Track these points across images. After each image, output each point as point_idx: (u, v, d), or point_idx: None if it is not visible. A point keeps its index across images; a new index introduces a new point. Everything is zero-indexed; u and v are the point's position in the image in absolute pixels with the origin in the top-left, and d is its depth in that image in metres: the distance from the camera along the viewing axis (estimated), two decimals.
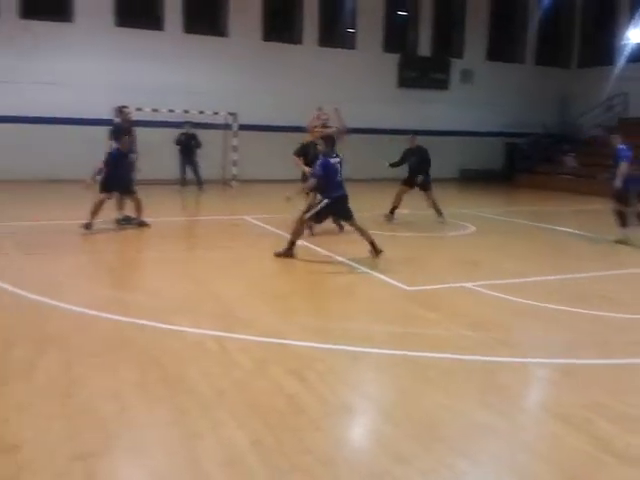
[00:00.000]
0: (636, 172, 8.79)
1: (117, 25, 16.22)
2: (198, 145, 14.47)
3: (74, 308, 5.16)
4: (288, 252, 7.27)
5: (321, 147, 7.58)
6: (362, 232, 7.47)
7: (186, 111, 15.25)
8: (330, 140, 7.57)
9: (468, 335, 4.85)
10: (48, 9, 15.54)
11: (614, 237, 8.99)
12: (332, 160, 7.35)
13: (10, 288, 5.68)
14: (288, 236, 7.46)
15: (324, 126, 10.38)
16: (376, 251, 7.34)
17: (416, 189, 10.55)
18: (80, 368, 3.94)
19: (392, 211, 10.51)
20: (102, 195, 8.77)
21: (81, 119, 15.09)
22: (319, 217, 7.60)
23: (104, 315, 4.99)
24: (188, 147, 14.43)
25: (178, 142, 14.43)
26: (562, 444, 3.20)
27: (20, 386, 3.66)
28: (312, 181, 7.47)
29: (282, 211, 9.08)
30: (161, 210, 10.85)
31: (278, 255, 7.25)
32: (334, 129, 10.33)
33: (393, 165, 10.56)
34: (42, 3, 15.58)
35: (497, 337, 4.82)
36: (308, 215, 7.45)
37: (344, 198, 7.46)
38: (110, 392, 3.58)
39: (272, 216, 10.09)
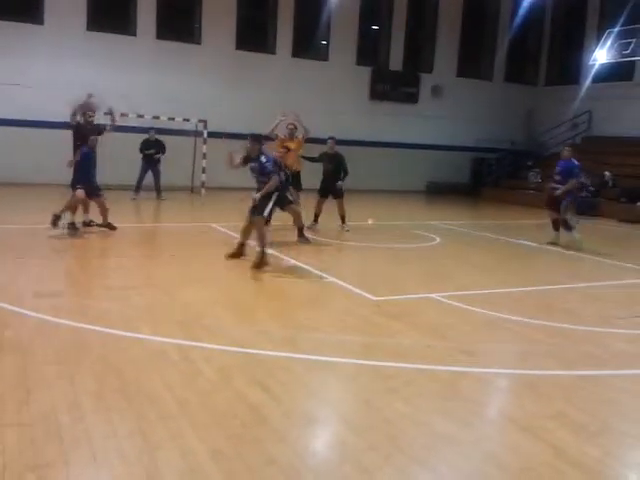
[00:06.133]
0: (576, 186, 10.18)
1: (88, 29, 16.04)
2: (163, 152, 14.29)
3: (32, 314, 5.03)
4: None
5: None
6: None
7: (156, 117, 15.11)
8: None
9: (432, 345, 4.89)
10: (18, 11, 15.32)
11: (547, 240, 10.22)
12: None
13: None
14: (255, 245, 7.45)
15: (291, 137, 10.40)
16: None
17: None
18: (36, 375, 3.84)
19: (315, 219, 10.59)
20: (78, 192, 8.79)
21: (45, 122, 14.80)
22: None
23: (63, 321, 4.88)
24: (155, 154, 14.23)
25: (143, 149, 14.21)
26: (523, 454, 3.24)
27: None
28: None
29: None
30: (126, 216, 10.69)
31: None
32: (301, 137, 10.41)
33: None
34: (12, 4, 15.35)
35: (460, 348, 4.87)
36: None
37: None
38: (67, 401, 3.49)
39: (240, 224, 10.01)
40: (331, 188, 10.50)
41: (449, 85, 20.75)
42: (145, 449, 3.03)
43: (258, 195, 7.48)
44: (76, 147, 9.62)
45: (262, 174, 7.61)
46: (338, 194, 10.53)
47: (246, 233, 7.63)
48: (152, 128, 14.51)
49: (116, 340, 4.58)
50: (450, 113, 20.51)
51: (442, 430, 3.44)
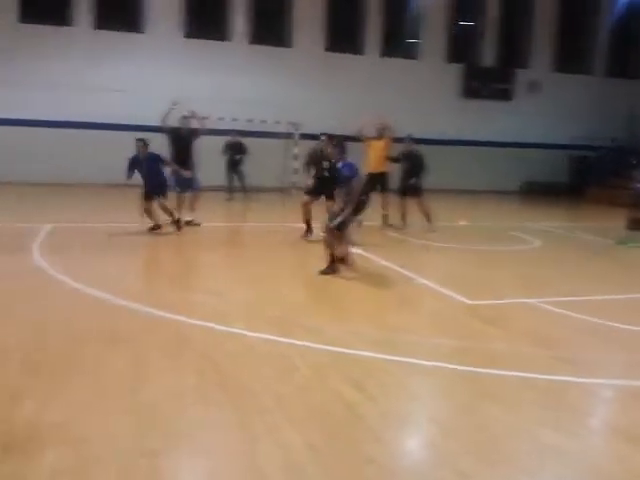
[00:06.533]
0: None
1: (185, 36, 16.78)
2: (244, 152, 14.65)
3: (142, 308, 5.32)
4: None
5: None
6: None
7: (249, 120, 15.54)
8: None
9: (531, 352, 4.71)
10: (121, 20, 16.30)
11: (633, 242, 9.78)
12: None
13: (80, 287, 5.91)
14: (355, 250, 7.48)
15: (380, 137, 10.46)
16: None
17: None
18: (143, 368, 4.05)
19: (403, 220, 10.57)
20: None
21: (145, 126, 15.53)
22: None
23: (168, 315, 5.12)
24: (235, 155, 14.61)
25: (226, 151, 14.62)
26: (632, 466, 3.06)
27: (88, 382, 3.78)
28: None
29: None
30: (216, 215, 11.04)
31: None
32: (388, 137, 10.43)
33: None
34: (114, 14, 16.34)
35: (562, 355, 4.66)
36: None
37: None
38: (172, 393, 3.66)
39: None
40: (407, 187, 10.42)
41: (546, 80, 19.93)
42: (245, 442, 3.12)
43: (347, 214, 6.81)
44: (176, 151, 9.98)
45: (342, 182, 7.02)
46: (415, 193, 10.39)
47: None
48: (234, 130, 14.88)
49: (214, 334, 4.75)
50: (546, 110, 19.71)
51: (544, 439, 3.30)
